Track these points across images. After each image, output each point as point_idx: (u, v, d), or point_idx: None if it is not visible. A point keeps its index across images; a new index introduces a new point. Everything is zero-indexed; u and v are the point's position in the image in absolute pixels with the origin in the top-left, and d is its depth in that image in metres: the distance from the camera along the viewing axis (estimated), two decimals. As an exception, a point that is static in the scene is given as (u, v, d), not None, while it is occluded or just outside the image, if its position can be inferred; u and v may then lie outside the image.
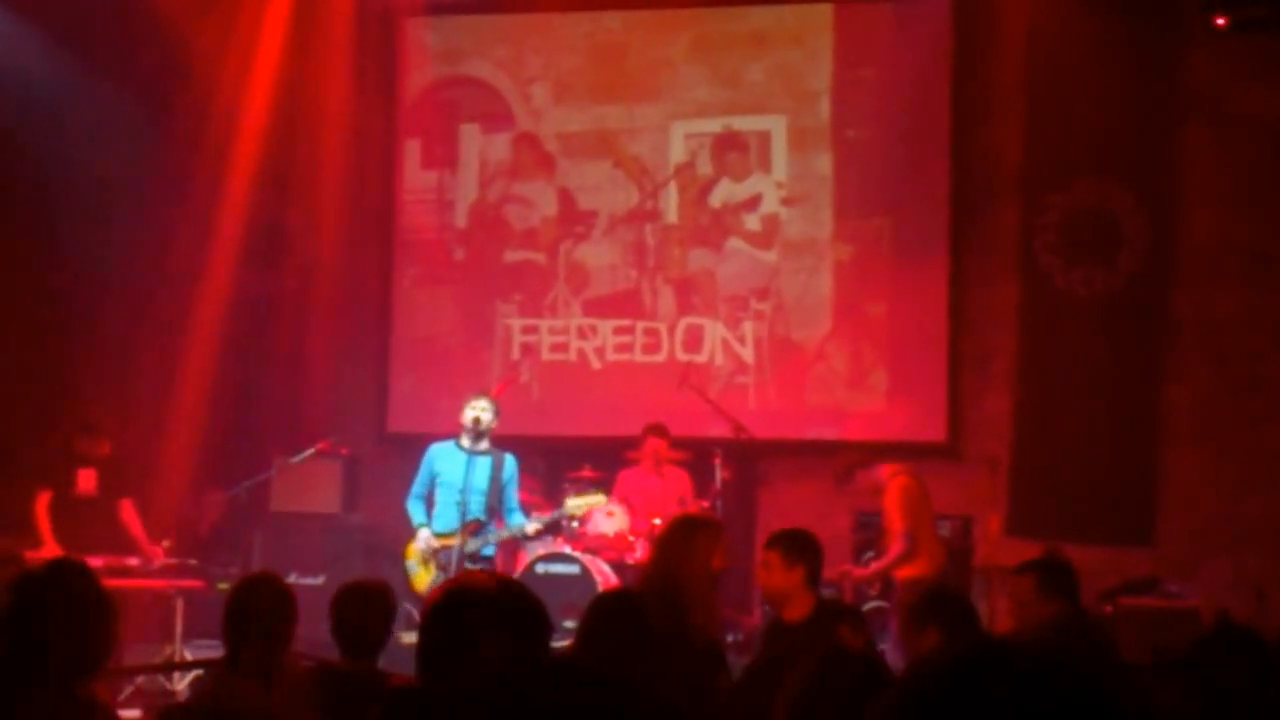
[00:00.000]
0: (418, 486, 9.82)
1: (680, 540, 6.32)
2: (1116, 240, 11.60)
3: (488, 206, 13.19)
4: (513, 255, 13.11)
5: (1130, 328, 11.64)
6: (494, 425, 9.68)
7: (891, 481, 9.64)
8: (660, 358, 12.65)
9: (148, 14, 11.98)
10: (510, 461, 9.77)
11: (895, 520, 9.53)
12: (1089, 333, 11.66)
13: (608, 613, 5.05)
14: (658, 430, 11.30)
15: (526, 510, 10.03)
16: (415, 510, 9.76)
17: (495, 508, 9.67)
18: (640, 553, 10.70)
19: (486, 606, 3.44)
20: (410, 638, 10.34)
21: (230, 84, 12.38)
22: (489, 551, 9.72)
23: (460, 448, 9.70)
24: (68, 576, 4.28)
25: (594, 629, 4.97)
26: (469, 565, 9.25)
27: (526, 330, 12.96)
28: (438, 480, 9.73)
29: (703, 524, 6.61)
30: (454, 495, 9.55)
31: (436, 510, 9.70)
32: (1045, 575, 6.55)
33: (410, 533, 9.71)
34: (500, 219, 13.15)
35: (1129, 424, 11.62)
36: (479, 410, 9.68)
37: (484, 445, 9.69)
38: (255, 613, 5.15)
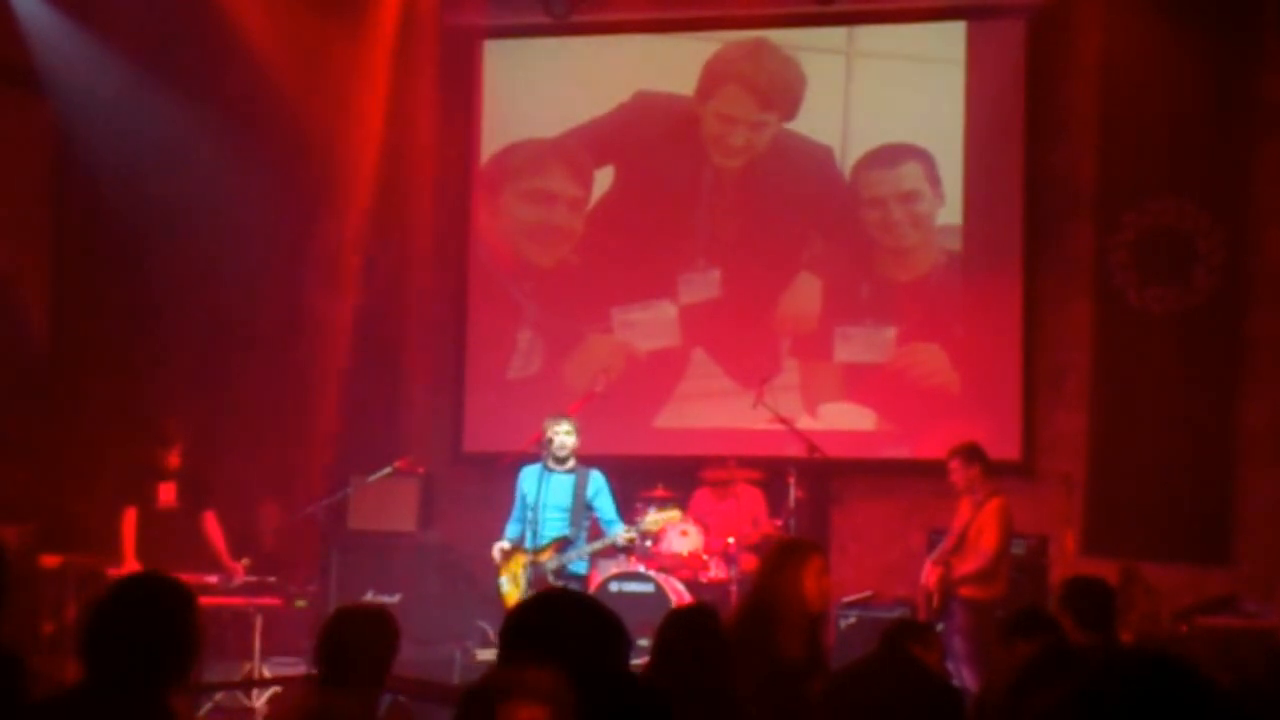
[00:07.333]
0: (515, 510, 10.05)
1: (771, 563, 6.65)
2: (1191, 258, 11.53)
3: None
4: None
5: (1205, 346, 11.57)
6: (574, 444, 9.85)
7: (995, 499, 9.76)
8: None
9: (235, 40, 12.17)
10: (595, 477, 9.94)
11: (991, 537, 9.63)
12: (1163, 351, 11.59)
13: (683, 627, 5.13)
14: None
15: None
16: (513, 535, 9.97)
17: (582, 523, 9.82)
18: (714, 571, 10.83)
19: (565, 622, 3.51)
20: (487, 655, 10.50)
21: (316, 109, 12.54)
22: (579, 567, 9.86)
23: (545, 468, 9.87)
24: (149, 586, 4.29)
25: (669, 643, 5.04)
26: (552, 581, 9.38)
27: (601, 349, 12.99)
28: (524, 500, 9.93)
29: (794, 547, 6.84)
30: (527, 513, 9.76)
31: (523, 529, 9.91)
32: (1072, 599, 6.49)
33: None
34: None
35: (1205, 442, 11.53)
36: (556, 430, 9.83)
37: (566, 464, 9.84)
38: (355, 645, 5.05)
